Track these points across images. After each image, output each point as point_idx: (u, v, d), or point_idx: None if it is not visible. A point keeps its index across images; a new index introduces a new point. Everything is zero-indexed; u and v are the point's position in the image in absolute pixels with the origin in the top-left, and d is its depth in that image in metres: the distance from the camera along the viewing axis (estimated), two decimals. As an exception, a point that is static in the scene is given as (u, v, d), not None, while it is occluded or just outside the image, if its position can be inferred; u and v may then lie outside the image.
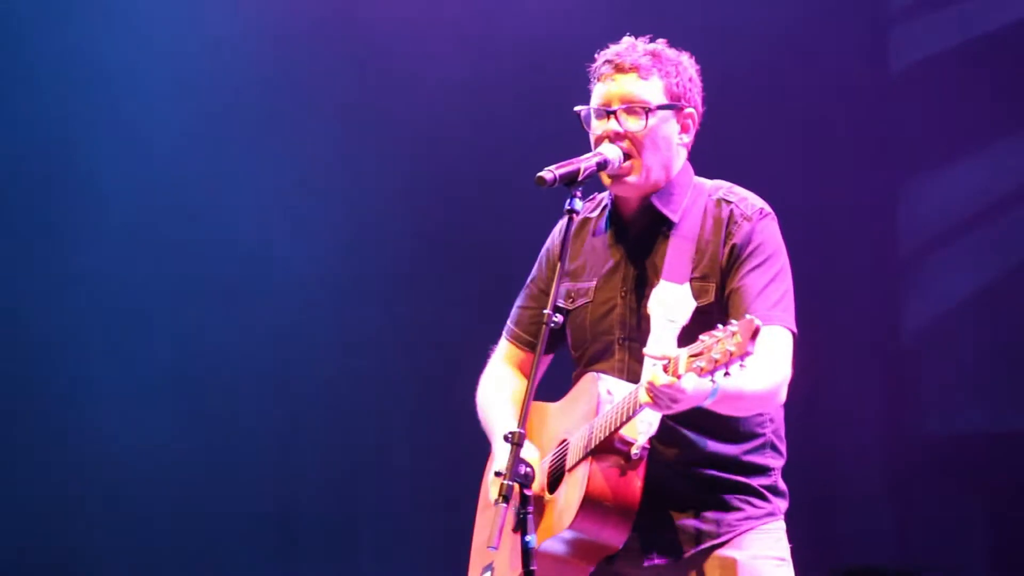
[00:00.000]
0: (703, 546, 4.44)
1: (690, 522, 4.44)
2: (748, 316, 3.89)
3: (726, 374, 3.91)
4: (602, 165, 4.43)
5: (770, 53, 7.25)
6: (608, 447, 4.32)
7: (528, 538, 4.22)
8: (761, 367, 4.17)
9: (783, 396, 4.36)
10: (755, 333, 3.85)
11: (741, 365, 3.89)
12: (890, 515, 7.11)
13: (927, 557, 6.98)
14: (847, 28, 7.23)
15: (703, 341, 3.94)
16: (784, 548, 4.50)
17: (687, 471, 4.43)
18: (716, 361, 3.90)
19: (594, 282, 4.58)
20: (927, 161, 7.17)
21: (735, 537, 4.44)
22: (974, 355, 7.00)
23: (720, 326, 3.93)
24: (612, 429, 4.28)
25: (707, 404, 4.12)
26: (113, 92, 7.60)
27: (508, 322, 4.84)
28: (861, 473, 7.13)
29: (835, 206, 7.22)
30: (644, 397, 4.08)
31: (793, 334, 4.39)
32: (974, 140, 7.10)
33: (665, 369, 4.01)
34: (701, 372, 3.93)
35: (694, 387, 4.02)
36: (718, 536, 4.44)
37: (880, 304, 7.20)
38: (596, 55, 4.54)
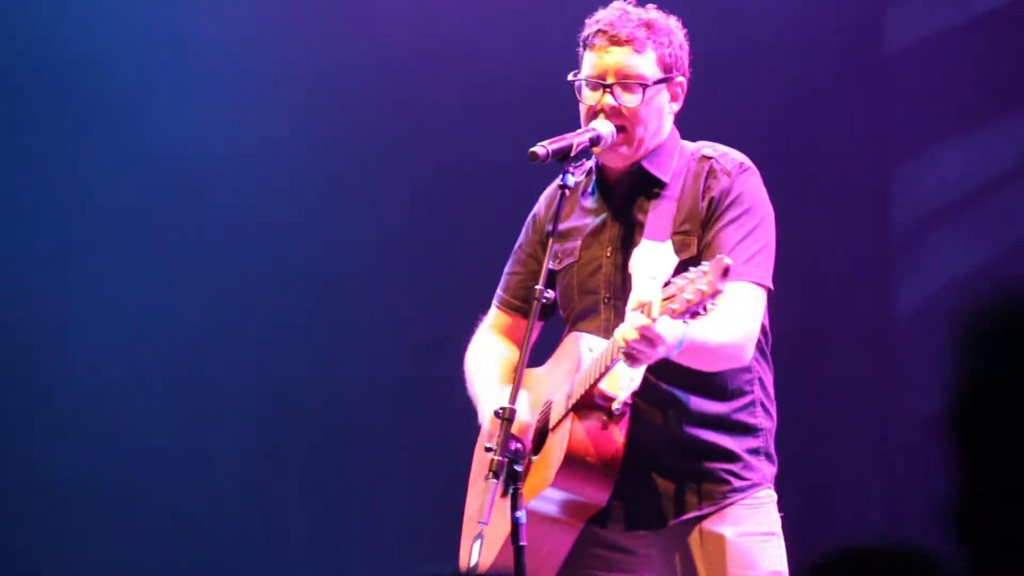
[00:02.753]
0: (687, 516, 4.42)
1: (672, 490, 4.42)
2: (719, 255, 3.89)
3: (698, 314, 3.89)
4: (595, 141, 4.43)
5: (761, 33, 7.24)
6: (589, 403, 4.32)
7: (518, 514, 4.21)
8: (726, 320, 4.17)
9: (749, 353, 4.34)
10: (726, 271, 3.85)
11: (712, 303, 3.87)
12: (881, 497, 7.11)
13: (918, 538, 6.97)
14: (840, 9, 7.22)
15: (675, 283, 3.94)
16: (774, 520, 4.48)
17: (672, 433, 4.41)
18: (689, 301, 3.88)
19: (579, 241, 4.58)
20: (920, 144, 7.17)
21: (721, 510, 4.42)
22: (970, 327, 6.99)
23: (692, 268, 3.93)
24: (591, 382, 4.28)
25: (673, 355, 4.11)
26: (108, 85, 7.57)
27: (498, 289, 4.84)
28: (852, 455, 7.13)
29: (827, 188, 7.22)
30: (621, 338, 4.05)
31: (767, 290, 4.38)
32: (967, 122, 7.10)
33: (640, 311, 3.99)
34: (674, 314, 3.91)
35: (669, 331, 4.00)
36: (701, 507, 4.42)
37: (872, 286, 7.20)
38: (586, 21, 4.51)
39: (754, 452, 4.47)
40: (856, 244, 7.19)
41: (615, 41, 4.43)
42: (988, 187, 7.07)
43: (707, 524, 4.42)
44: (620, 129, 4.44)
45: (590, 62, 4.47)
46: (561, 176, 4.38)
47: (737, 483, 4.44)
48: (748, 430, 4.47)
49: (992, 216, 7.04)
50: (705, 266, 3.88)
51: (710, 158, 4.50)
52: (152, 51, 7.55)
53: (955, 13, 7.09)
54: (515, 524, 4.19)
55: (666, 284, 3.99)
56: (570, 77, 4.50)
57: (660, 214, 4.44)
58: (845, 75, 7.20)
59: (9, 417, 7.51)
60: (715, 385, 4.42)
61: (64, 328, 7.51)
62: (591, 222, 4.58)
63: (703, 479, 4.42)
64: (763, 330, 4.48)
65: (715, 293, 3.85)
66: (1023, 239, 6.98)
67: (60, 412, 7.49)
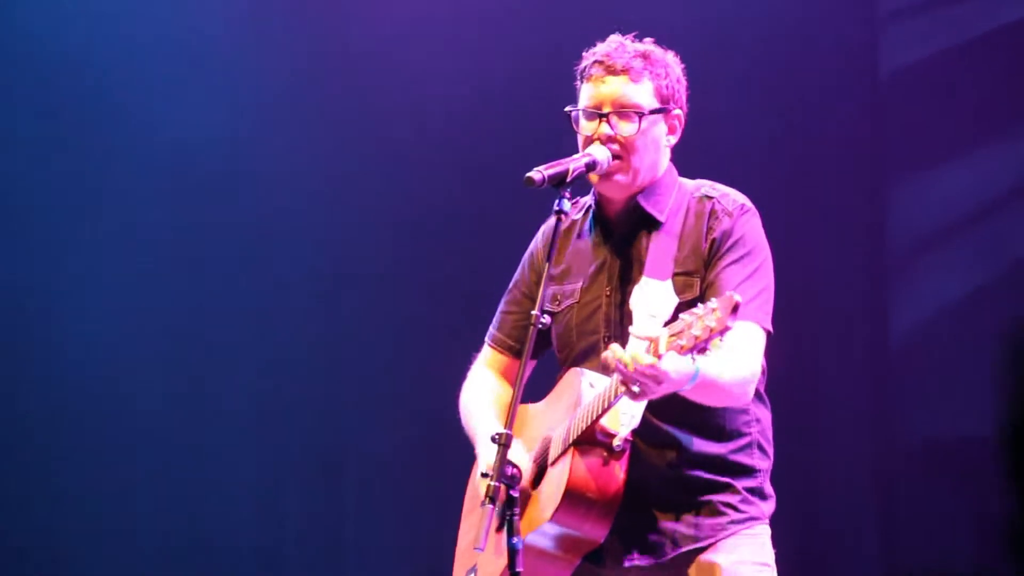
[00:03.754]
0: (684, 549, 4.41)
1: (671, 524, 4.42)
2: (728, 292, 3.88)
3: (705, 351, 3.89)
4: (591, 166, 4.41)
5: (760, 54, 7.25)
6: (590, 439, 4.30)
7: (514, 540, 4.19)
8: (734, 359, 4.17)
9: (751, 393, 4.34)
10: (735, 308, 3.84)
11: (720, 340, 3.87)
12: (877, 518, 7.10)
13: (914, 561, 6.98)
14: (837, 30, 7.23)
15: (683, 319, 3.93)
16: (768, 553, 4.48)
17: (670, 471, 4.40)
18: (696, 338, 3.88)
19: (580, 283, 4.57)
20: (916, 164, 7.17)
21: (718, 541, 4.43)
22: (963, 358, 7.00)
23: (700, 304, 3.92)
24: (593, 418, 4.26)
25: (686, 390, 4.10)
26: (112, 88, 7.58)
27: (491, 328, 4.82)
28: (848, 476, 7.12)
29: (823, 208, 7.22)
30: (630, 366, 4.02)
31: (767, 332, 4.38)
32: (963, 143, 7.10)
33: (646, 351, 3.98)
34: (682, 350, 3.91)
35: (676, 367, 4.00)
36: (699, 540, 4.42)
37: (868, 307, 7.20)
38: (584, 54, 4.51)
39: (750, 491, 4.47)
40: (851, 268, 7.19)
41: (612, 71, 4.43)
42: (983, 210, 7.08)
43: (705, 556, 4.42)
44: (616, 157, 4.44)
45: (587, 93, 4.47)
46: (556, 202, 4.36)
47: (734, 515, 4.44)
48: (745, 471, 4.47)
49: (987, 239, 7.05)
50: (714, 303, 3.87)
51: (712, 198, 4.49)
52: (158, 53, 7.60)
53: (950, 36, 7.10)
54: (512, 550, 4.17)
55: (672, 320, 3.98)
56: (567, 108, 4.51)
57: (660, 252, 4.43)
58: (841, 98, 7.21)
59: (10, 421, 7.53)
60: (713, 426, 4.42)
61: (67, 328, 7.54)
62: (590, 262, 4.57)
63: (699, 512, 4.42)
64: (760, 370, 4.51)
65: (724, 330, 3.85)
66: (1019, 262, 6.98)
67: (61, 413, 7.52)
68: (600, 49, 4.48)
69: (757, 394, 4.49)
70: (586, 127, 4.47)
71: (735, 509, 4.44)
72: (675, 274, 4.40)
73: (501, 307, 4.81)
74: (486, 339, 4.83)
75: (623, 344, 4.13)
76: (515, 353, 4.74)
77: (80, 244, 7.57)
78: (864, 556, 7.04)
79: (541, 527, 4.32)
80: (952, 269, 7.07)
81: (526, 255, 4.78)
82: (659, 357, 3.95)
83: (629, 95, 4.43)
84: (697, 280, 4.41)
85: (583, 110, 4.47)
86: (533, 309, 4.33)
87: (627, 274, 4.48)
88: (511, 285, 4.79)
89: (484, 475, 4.21)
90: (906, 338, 7.13)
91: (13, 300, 7.55)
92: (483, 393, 4.74)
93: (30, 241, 7.58)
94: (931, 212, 7.12)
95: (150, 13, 7.62)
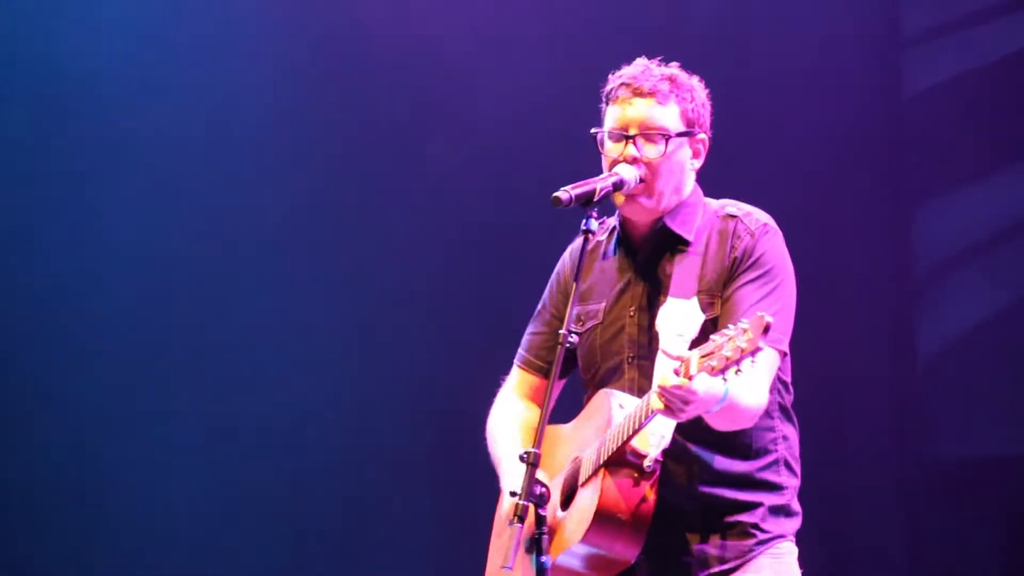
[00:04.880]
0: (712, 570, 4.43)
1: (698, 546, 4.42)
2: (759, 312, 3.88)
3: (737, 371, 3.90)
4: (618, 185, 4.42)
5: (784, 77, 7.27)
6: (620, 460, 4.31)
7: (543, 559, 4.20)
8: (751, 383, 4.17)
9: (756, 419, 4.35)
10: (767, 328, 3.84)
11: (752, 361, 3.88)
12: (902, 537, 7.10)
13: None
14: (860, 52, 7.25)
15: (714, 340, 3.94)
16: (795, 573, 4.49)
17: (698, 490, 4.42)
18: (728, 359, 3.89)
19: (603, 304, 4.59)
20: (941, 184, 7.18)
21: (745, 563, 4.44)
22: (989, 377, 7.00)
23: (730, 325, 3.93)
24: (624, 439, 4.27)
25: (713, 412, 4.11)
26: (114, 95, 7.62)
27: (520, 349, 4.83)
28: (874, 495, 7.12)
29: (850, 228, 7.23)
30: (656, 403, 4.06)
31: (782, 354, 4.39)
32: (988, 162, 7.11)
33: (676, 372, 4.00)
34: (713, 371, 3.92)
35: (706, 388, 4.00)
36: (726, 562, 4.43)
37: (895, 326, 7.20)
38: (610, 76, 4.53)
39: (777, 509, 4.48)
40: (879, 286, 7.20)
41: (638, 93, 4.45)
42: (1009, 229, 7.09)
43: (732, 577, 4.44)
44: (641, 180, 4.46)
45: (613, 115, 4.48)
46: (584, 221, 4.36)
47: (761, 535, 4.44)
48: (772, 488, 4.48)
49: (1012, 259, 7.05)
50: (745, 323, 3.87)
51: (735, 217, 4.51)
52: (159, 52, 7.63)
53: (973, 58, 7.12)
54: (540, 570, 4.19)
55: (699, 338, 4.00)
56: (593, 130, 4.53)
57: (685, 272, 4.45)
58: (865, 118, 7.23)
59: (20, 419, 7.57)
60: (740, 444, 4.43)
61: (98, 327, 7.59)
62: (614, 283, 4.58)
63: (727, 534, 4.43)
64: (786, 387, 4.52)
65: (755, 351, 3.85)
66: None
67: (70, 412, 7.55)
68: (627, 72, 4.50)
69: (784, 411, 4.51)
70: (612, 149, 4.48)
71: (761, 530, 4.44)
72: (699, 292, 4.41)
73: (530, 328, 4.82)
74: (515, 361, 4.84)
75: (649, 364, 4.14)
76: (544, 373, 4.75)
77: (87, 249, 7.60)
78: (889, 569, 7.04)
79: (572, 548, 4.33)
80: (978, 287, 7.07)
81: (553, 277, 4.80)
82: (690, 378, 3.97)
83: (656, 117, 4.44)
84: (719, 299, 4.41)
85: (609, 132, 4.49)
86: (561, 327, 4.35)
87: (651, 295, 4.49)
88: (539, 307, 4.81)
89: (513, 494, 4.21)
90: (933, 355, 7.13)
91: (21, 298, 7.58)
92: (509, 420, 4.75)
93: (32, 241, 7.61)
94: (957, 230, 7.13)
95: (153, 14, 7.65)
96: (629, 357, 4.51)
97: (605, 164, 4.51)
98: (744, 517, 4.44)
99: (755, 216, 4.52)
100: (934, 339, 7.15)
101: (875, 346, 7.19)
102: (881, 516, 7.12)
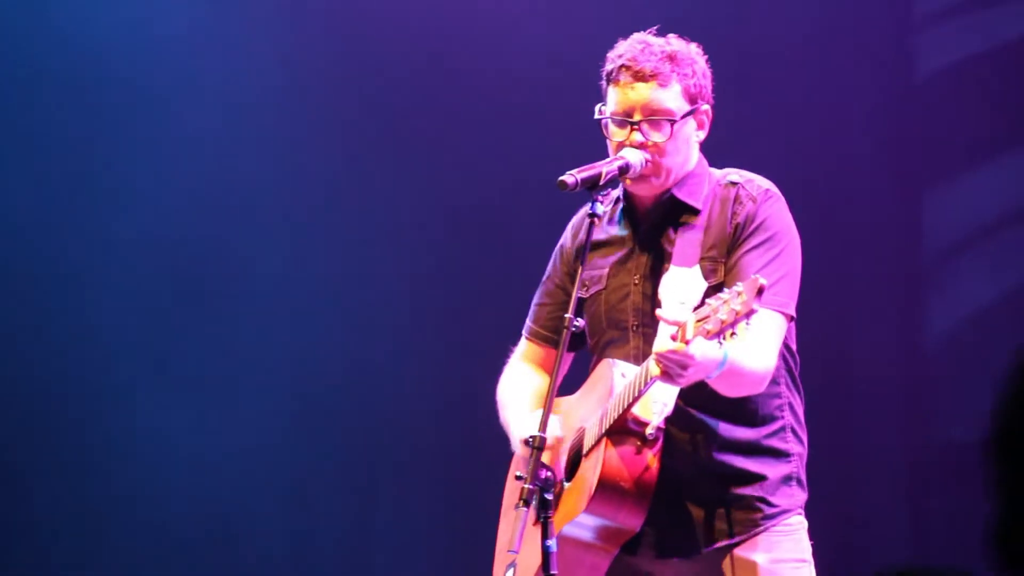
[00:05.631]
0: (719, 544, 4.43)
1: (704, 517, 4.43)
2: (754, 275, 3.90)
3: (732, 334, 3.90)
4: (624, 169, 4.43)
5: (794, 58, 7.26)
6: (623, 429, 4.33)
7: (548, 542, 4.22)
8: (754, 347, 4.18)
9: (766, 383, 4.34)
10: (760, 290, 3.86)
11: (747, 323, 3.89)
12: (910, 520, 7.10)
13: (946, 562, 6.97)
14: (871, 35, 7.23)
15: (709, 304, 3.97)
16: (805, 547, 4.49)
17: (703, 458, 4.42)
18: (723, 322, 3.91)
19: (607, 269, 4.59)
20: (951, 167, 7.17)
21: (752, 537, 4.44)
22: (997, 360, 6.99)
23: (726, 289, 3.95)
24: (624, 407, 4.29)
25: (713, 376, 4.12)
26: (129, 99, 7.63)
27: (527, 320, 4.85)
28: (882, 478, 7.12)
29: (859, 211, 7.22)
30: (655, 369, 4.07)
31: (789, 318, 4.39)
32: (998, 146, 7.10)
33: (673, 337, 4.00)
34: (708, 335, 3.94)
35: (703, 352, 4.02)
36: (734, 535, 4.43)
37: (903, 309, 7.20)
38: (608, 55, 4.51)
39: (786, 479, 4.48)
40: (887, 268, 7.19)
41: (640, 77, 4.43)
42: (1017, 212, 7.08)
43: (739, 551, 4.43)
44: (648, 162, 4.46)
45: (615, 98, 4.48)
46: (590, 205, 4.38)
47: (768, 510, 4.45)
48: (779, 455, 4.48)
49: (1021, 242, 7.04)
50: (739, 286, 3.90)
51: (736, 184, 4.51)
52: (169, 58, 7.64)
53: (984, 40, 7.10)
54: (546, 553, 4.20)
55: (700, 306, 4.01)
56: (597, 115, 4.51)
57: (688, 240, 4.45)
58: (876, 101, 7.22)
59: (35, 417, 7.59)
60: (746, 411, 4.43)
61: (103, 326, 7.60)
62: (618, 250, 4.59)
63: (734, 506, 4.43)
64: (791, 354, 4.52)
65: (749, 313, 3.87)
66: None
67: (87, 411, 7.57)
68: (625, 52, 4.48)
69: (791, 379, 4.51)
70: (617, 133, 4.48)
71: (768, 504, 4.44)
72: (701, 259, 4.41)
73: (536, 299, 4.84)
74: (523, 332, 4.86)
75: (652, 332, 4.15)
76: (552, 343, 4.76)
77: (103, 243, 7.60)
78: (898, 556, 7.03)
79: (577, 518, 4.35)
80: (986, 270, 7.06)
81: (557, 247, 4.80)
82: (687, 342, 3.97)
83: (659, 101, 4.44)
84: (721, 265, 4.42)
85: (612, 116, 4.49)
86: (566, 298, 4.36)
87: (655, 264, 4.50)
88: (544, 278, 4.82)
89: (518, 477, 4.22)
90: (942, 337, 7.12)
91: (39, 303, 7.60)
92: (519, 387, 4.77)
93: (34, 238, 7.63)
94: (965, 213, 7.12)
95: (155, 15, 7.66)
96: (634, 325, 4.52)
97: (611, 147, 4.51)
98: (750, 490, 4.44)
99: (756, 182, 4.52)
100: (944, 322, 7.14)
101: (883, 328, 7.19)
102: (888, 497, 7.12)
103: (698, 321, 3.97)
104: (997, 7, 7.15)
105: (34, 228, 7.59)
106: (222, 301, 7.62)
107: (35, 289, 7.59)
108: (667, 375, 4.07)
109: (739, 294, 3.89)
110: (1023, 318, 6.98)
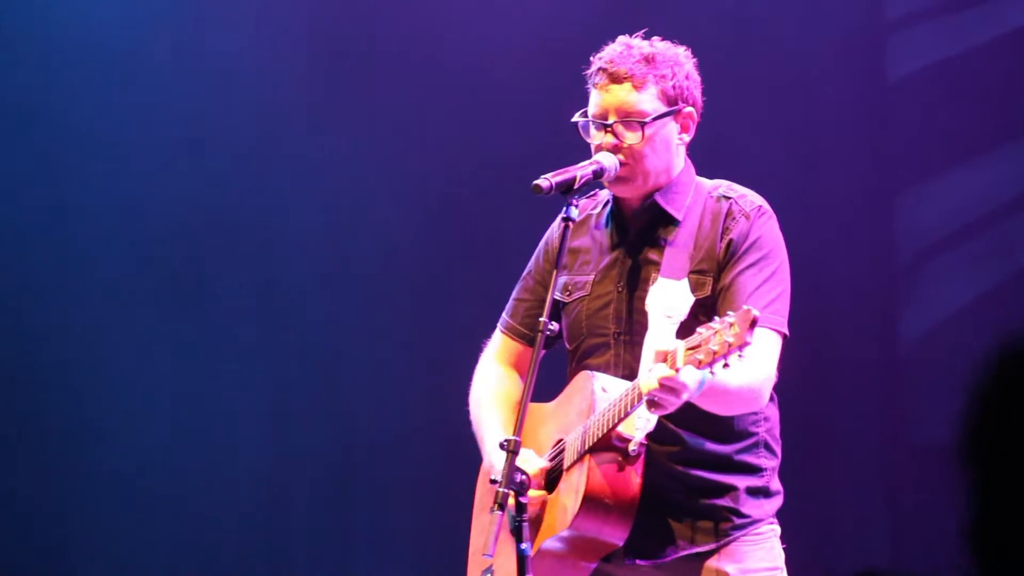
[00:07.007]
0: (687, 551, 4.42)
1: (674, 525, 4.42)
2: (745, 306, 3.88)
3: (725, 365, 3.89)
4: (599, 173, 4.43)
5: (766, 59, 7.26)
6: (605, 445, 4.32)
7: (523, 546, 4.20)
8: (746, 366, 4.14)
9: (766, 398, 4.35)
10: (753, 323, 3.84)
11: (740, 356, 3.87)
12: (886, 524, 7.10)
13: (922, 566, 6.98)
14: (844, 36, 7.24)
15: (700, 333, 3.94)
16: (778, 555, 4.49)
17: (677, 472, 4.41)
18: (715, 352, 3.89)
19: (591, 276, 4.58)
20: (924, 169, 7.18)
21: (724, 547, 4.43)
22: (972, 364, 7.00)
23: (717, 318, 3.93)
24: (610, 426, 4.27)
25: (694, 397, 4.10)
26: (133, 92, 7.61)
27: (503, 314, 4.83)
28: (857, 480, 7.13)
29: (833, 213, 7.23)
30: (645, 388, 4.06)
31: (783, 336, 4.38)
32: (971, 148, 7.11)
33: (656, 360, 3.99)
34: (699, 364, 3.92)
35: (693, 379, 4.00)
36: (701, 544, 4.42)
37: (878, 312, 7.20)
38: (592, 57, 4.52)
39: (755, 491, 4.48)
40: (861, 271, 7.20)
41: (615, 79, 4.43)
42: (991, 215, 7.09)
43: (711, 561, 4.43)
44: (623, 164, 4.45)
45: (594, 100, 4.48)
46: (564, 209, 4.38)
47: (738, 520, 4.44)
48: (751, 470, 4.48)
49: (996, 244, 7.05)
50: (731, 317, 3.88)
51: (729, 199, 4.49)
52: (179, 56, 7.63)
53: (957, 42, 7.11)
54: (521, 557, 4.18)
55: (685, 331, 4.01)
56: (576, 117, 4.51)
57: (676, 252, 4.44)
58: (849, 103, 7.22)
59: (52, 418, 7.56)
60: (721, 426, 4.42)
61: (74, 326, 7.57)
62: (604, 255, 4.58)
63: (704, 516, 4.43)
64: None
65: (742, 345, 3.86)
66: (1026, 267, 7.00)
67: (71, 413, 7.55)
68: (605, 54, 4.48)
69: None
70: (594, 136, 4.48)
71: (738, 514, 4.44)
72: (690, 272, 4.40)
73: (515, 294, 4.81)
74: (498, 326, 4.83)
75: (634, 342, 4.12)
76: (527, 341, 4.74)
77: (84, 248, 7.58)
78: (873, 550, 7.04)
79: (560, 533, 4.35)
80: (961, 273, 7.07)
81: (541, 243, 4.79)
82: (676, 370, 3.96)
83: (632, 103, 4.43)
84: (710, 279, 4.41)
85: (590, 120, 4.49)
86: (545, 297, 4.35)
87: (640, 272, 4.49)
88: (525, 272, 4.80)
89: (493, 481, 4.21)
90: (917, 340, 7.13)
91: (54, 311, 7.58)
92: (492, 391, 4.75)
93: (33, 239, 7.61)
94: (940, 215, 7.13)
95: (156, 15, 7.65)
96: (615, 333, 4.50)
97: (592, 149, 4.50)
98: (720, 501, 4.44)
99: (749, 198, 4.51)
100: (918, 324, 7.15)
101: (859, 331, 7.19)
102: (864, 500, 7.12)
103: (688, 349, 3.96)
104: (970, 9, 7.16)
105: (14, 224, 7.59)
106: (198, 302, 7.60)
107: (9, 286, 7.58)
108: (655, 405, 4.07)
109: (731, 325, 3.88)
110: (998, 321, 6.99)
